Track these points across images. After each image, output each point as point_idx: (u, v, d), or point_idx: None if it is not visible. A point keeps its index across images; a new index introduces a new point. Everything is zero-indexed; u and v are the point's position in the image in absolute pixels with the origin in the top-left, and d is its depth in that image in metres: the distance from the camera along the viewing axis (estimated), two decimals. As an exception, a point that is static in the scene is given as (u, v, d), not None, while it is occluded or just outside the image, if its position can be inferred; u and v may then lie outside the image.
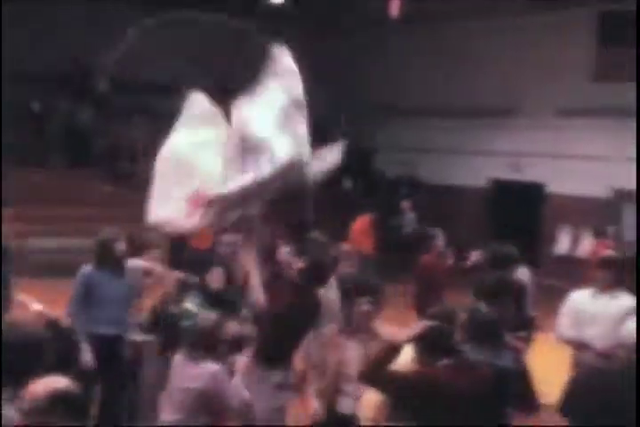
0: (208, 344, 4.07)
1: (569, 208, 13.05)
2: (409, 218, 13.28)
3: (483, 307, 4.29)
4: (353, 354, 4.15)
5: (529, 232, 13.56)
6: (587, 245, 12.11)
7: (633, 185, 11.95)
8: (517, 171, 14.20)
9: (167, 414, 4.18)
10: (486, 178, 14.85)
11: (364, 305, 4.21)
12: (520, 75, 13.95)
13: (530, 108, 14.08)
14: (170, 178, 3.93)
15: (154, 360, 4.96)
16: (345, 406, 4.20)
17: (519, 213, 14.21)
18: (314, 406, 4.18)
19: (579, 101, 13.16)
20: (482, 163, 14.65)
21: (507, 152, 14.24)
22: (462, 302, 4.63)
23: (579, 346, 5.26)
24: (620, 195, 12.80)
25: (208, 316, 4.33)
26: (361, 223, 11.64)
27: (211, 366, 4.12)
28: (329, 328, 4.32)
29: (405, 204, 13.50)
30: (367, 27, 16.07)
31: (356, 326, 4.23)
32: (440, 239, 7.51)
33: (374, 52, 16.39)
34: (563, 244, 13.45)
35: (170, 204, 3.90)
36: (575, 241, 13.30)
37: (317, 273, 4.41)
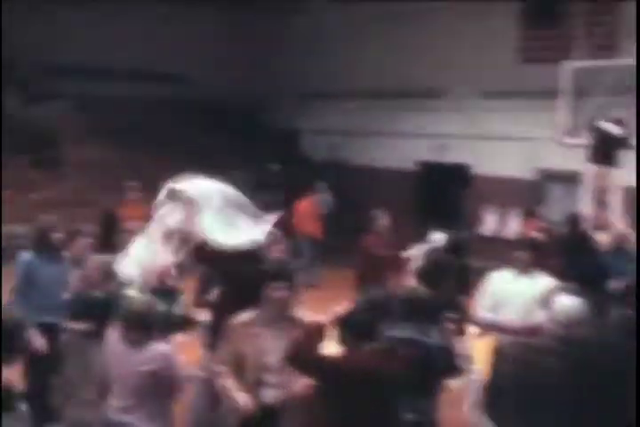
0: (144, 326, 4.08)
1: (495, 189, 13.10)
2: (325, 200, 13.18)
3: (421, 288, 4.41)
4: (271, 343, 4.07)
5: (455, 214, 13.71)
6: (514, 226, 12.15)
7: (557, 165, 12.09)
8: (444, 152, 14.25)
9: (118, 399, 4.14)
10: (413, 160, 14.84)
11: (278, 291, 4.10)
12: (446, 57, 13.99)
13: (456, 90, 14.12)
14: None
15: (81, 346, 4.95)
16: (268, 396, 4.11)
17: (446, 195, 14.34)
18: (243, 399, 4.07)
19: (504, 83, 13.25)
20: (409, 145, 14.67)
21: (433, 134, 14.24)
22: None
23: (495, 328, 5.25)
24: (545, 175, 12.90)
25: (139, 298, 4.35)
26: (305, 205, 11.42)
27: (161, 347, 4.16)
28: (244, 317, 4.24)
29: (320, 185, 13.30)
30: (293, 10, 16.05)
31: (272, 314, 4.16)
32: (384, 220, 7.65)
33: (301, 36, 16.29)
34: (489, 225, 13.40)
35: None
36: (501, 222, 13.33)
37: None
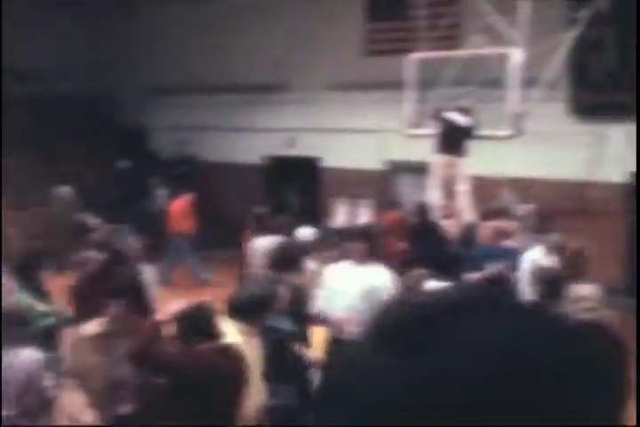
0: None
1: (346, 182, 13.12)
2: (161, 194, 13.29)
3: (271, 277, 4.61)
4: (120, 352, 3.90)
5: (308, 207, 13.82)
6: (364, 218, 12.24)
7: (405, 156, 12.25)
8: (292, 146, 14.23)
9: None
10: (262, 154, 14.78)
11: (115, 307, 4.03)
12: (290, 50, 13.86)
13: (302, 83, 14.03)
14: None
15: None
16: (124, 409, 3.93)
17: (296, 189, 14.37)
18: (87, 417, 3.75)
19: (350, 75, 13.31)
20: (257, 139, 14.55)
21: (281, 128, 14.16)
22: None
23: (326, 322, 5.27)
24: (395, 166, 13.06)
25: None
26: (179, 205, 11.70)
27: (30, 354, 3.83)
28: (90, 328, 4.02)
29: (154, 180, 13.59)
30: (135, 8, 15.78)
31: (118, 326, 4.01)
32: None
33: (146, 33, 15.96)
34: (340, 217, 13.53)
35: None
36: (352, 214, 13.41)
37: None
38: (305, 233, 7.43)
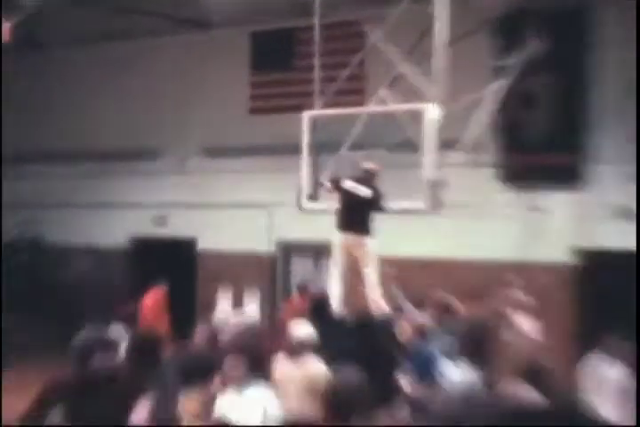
0: None
1: (228, 267, 13.14)
2: None
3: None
4: None
5: (181, 299, 13.45)
6: (253, 311, 11.74)
7: (300, 236, 12.54)
8: (163, 225, 14.38)
9: None
10: (126, 235, 14.71)
11: None
12: (160, 108, 14.12)
13: (174, 148, 14.22)
14: None
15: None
16: None
17: (167, 277, 13.68)
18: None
19: (233, 138, 13.39)
20: (120, 217, 14.59)
21: (149, 203, 14.25)
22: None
23: None
24: (287, 248, 13.27)
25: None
26: (153, 298, 11.86)
27: None
28: None
29: None
30: None
31: None
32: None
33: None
34: (222, 310, 12.94)
35: None
36: (238, 306, 12.84)
37: None
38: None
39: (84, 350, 5.23)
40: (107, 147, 14.40)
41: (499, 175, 11.09)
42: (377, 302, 8.57)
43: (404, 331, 7.70)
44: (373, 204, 8.59)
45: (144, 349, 6.03)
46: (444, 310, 8.48)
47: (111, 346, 5.50)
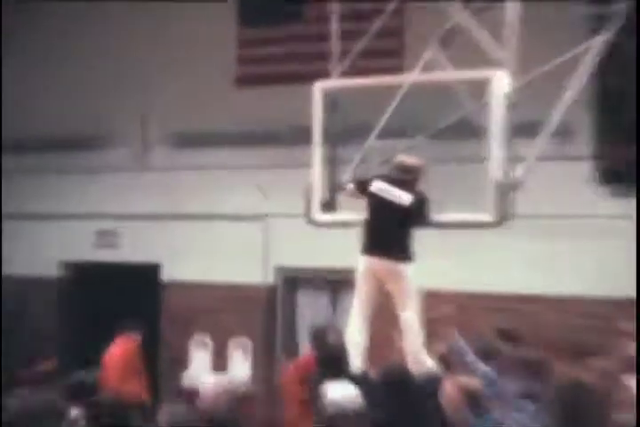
0: None
1: (205, 305, 13.52)
2: None
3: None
4: None
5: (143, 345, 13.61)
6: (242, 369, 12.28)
7: (308, 261, 12.80)
8: (112, 246, 14.58)
9: None
10: (60, 260, 14.94)
11: None
12: (111, 82, 14.26)
13: (129, 135, 14.38)
14: None
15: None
16: None
17: (118, 315, 14.04)
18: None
19: (211, 121, 13.48)
20: (50, 235, 14.77)
21: (92, 214, 14.52)
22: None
23: None
24: (289, 278, 13.52)
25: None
26: (120, 352, 12.24)
27: None
28: None
29: None
30: None
31: None
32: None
33: None
34: (196, 368, 13.80)
35: None
36: (219, 362, 13.57)
37: None
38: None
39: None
40: (29, 133, 14.58)
41: (596, 173, 11.17)
42: (417, 356, 8.66)
43: (448, 397, 7.74)
44: (414, 215, 8.62)
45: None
46: (528, 368, 8.41)
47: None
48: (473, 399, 7.50)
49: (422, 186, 8.71)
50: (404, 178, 8.68)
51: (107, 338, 13.29)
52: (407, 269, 8.64)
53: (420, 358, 8.63)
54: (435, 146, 8.95)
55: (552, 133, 8.56)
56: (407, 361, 8.73)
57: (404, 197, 8.64)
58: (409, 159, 8.78)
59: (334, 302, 12.84)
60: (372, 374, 8.87)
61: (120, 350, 12.16)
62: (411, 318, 8.68)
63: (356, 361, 8.86)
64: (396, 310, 8.65)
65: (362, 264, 8.77)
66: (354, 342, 8.85)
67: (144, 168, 14.04)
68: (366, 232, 8.80)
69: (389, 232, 8.73)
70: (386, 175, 8.76)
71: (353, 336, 8.85)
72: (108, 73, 14.16)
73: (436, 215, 8.68)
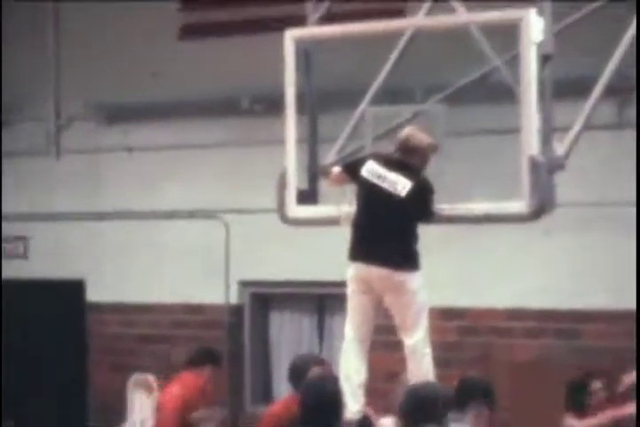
0: None
1: (145, 333, 13.92)
2: None
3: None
4: None
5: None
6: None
7: (280, 272, 13.12)
8: (18, 254, 14.85)
9: None
10: None
11: None
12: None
13: (38, 106, 14.60)
14: None
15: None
16: None
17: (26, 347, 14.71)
18: None
19: (150, 87, 13.70)
20: None
21: None
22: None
23: None
24: (255, 296, 13.85)
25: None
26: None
27: None
28: None
29: None
30: None
31: None
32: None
33: None
34: (137, 414, 13.53)
35: None
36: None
37: None
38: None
39: None
40: None
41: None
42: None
43: None
44: (415, 207, 8.72)
45: None
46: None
47: None
48: None
49: (432, 169, 8.80)
50: (407, 160, 8.78)
51: (14, 374, 13.50)
52: (412, 280, 8.72)
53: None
54: (450, 113, 8.97)
55: (604, 94, 8.59)
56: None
57: (400, 185, 8.74)
58: (414, 135, 8.80)
59: (320, 326, 13.01)
60: (374, 419, 8.98)
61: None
62: (418, 345, 8.76)
63: (353, 402, 8.84)
64: (399, 335, 8.75)
65: (351, 274, 8.85)
66: (349, 376, 8.90)
67: (60, 151, 14.21)
68: (356, 232, 8.89)
69: (385, 231, 8.80)
70: (383, 155, 8.84)
71: (347, 369, 8.91)
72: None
73: (454, 205, 8.78)
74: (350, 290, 8.95)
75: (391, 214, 8.89)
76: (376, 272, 8.76)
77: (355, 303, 8.92)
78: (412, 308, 8.80)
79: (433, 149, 8.88)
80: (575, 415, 11.01)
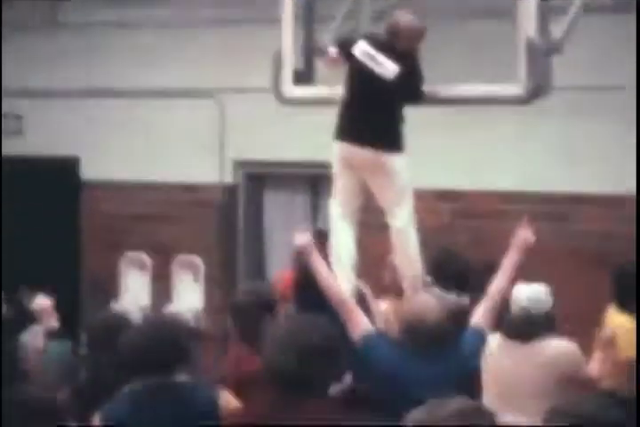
0: None
1: (141, 213, 13.98)
2: None
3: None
4: None
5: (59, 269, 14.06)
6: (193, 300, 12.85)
7: (274, 152, 13.18)
8: (17, 133, 14.83)
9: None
10: None
11: None
12: None
13: None
14: None
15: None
16: None
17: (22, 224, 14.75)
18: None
19: None
20: None
21: None
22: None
23: None
24: (250, 175, 13.96)
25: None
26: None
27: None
28: None
29: None
30: None
31: None
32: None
33: None
34: (132, 289, 14.09)
35: None
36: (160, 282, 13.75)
37: None
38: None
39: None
40: None
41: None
42: (413, 278, 8.90)
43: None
44: (402, 91, 8.76)
45: None
46: None
47: None
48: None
49: (420, 52, 8.82)
50: (396, 44, 8.78)
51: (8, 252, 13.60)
52: (395, 162, 8.83)
53: (415, 279, 8.87)
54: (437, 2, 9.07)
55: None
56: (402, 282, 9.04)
57: (389, 68, 8.77)
58: (403, 19, 8.80)
59: (314, 207, 13.02)
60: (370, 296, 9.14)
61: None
62: (403, 228, 8.90)
63: (346, 284, 8.94)
64: (385, 217, 8.88)
65: (336, 153, 8.97)
66: (340, 257, 9.01)
67: (52, 25, 14.11)
68: (343, 112, 8.96)
69: (371, 113, 8.86)
70: (377, 36, 8.88)
71: (338, 251, 9.02)
72: None
73: (449, 86, 8.84)
74: (336, 169, 9.09)
75: (377, 96, 8.94)
76: (359, 152, 8.86)
77: (341, 182, 9.04)
78: (393, 188, 8.91)
79: (420, 33, 8.86)
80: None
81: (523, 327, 7.65)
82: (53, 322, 8.79)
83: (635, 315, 8.48)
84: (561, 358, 7.67)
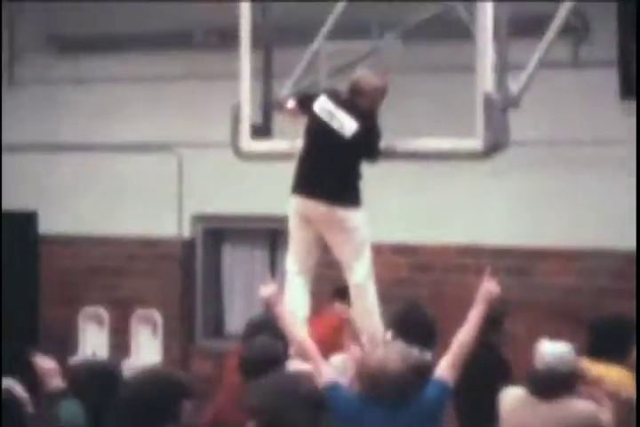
0: None
1: (98, 267, 13.88)
2: None
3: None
4: None
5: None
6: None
7: (233, 206, 13.17)
8: None
9: None
10: None
11: None
12: None
13: None
14: None
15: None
16: None
17: None
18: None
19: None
20: None
21: None
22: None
23: None
24: (208, 230, 13.91)
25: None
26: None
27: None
28: None
29: None
30: None
31: None
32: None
33: None
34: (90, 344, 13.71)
35: None
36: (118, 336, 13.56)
37: None
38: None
39: None
40: None
41: (619, 85, 11.05)
42: (372, 333, 8.87)
43: None
44: (359, 149, 8.78)
45: None
46: None
47: None
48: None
49: (381, 108, 8.81)
50: (356, 101, 8.81)
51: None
52: (352, 217, 8.82)
53: (374, 337, 8.80)
54: (407, 49, 9.08)
55: (560, 32, 8.58)
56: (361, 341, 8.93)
57: (347, 125, 8.78)
58: (365, 77, 8.83)
59: (272, 261, 12.96)
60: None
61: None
62: (361, 282, 8.86)
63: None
64: (344, 271, 8.83)
65: (293, 207, 8.96)
66: (294, 310, 8.93)
67: (11, 82, 14.12)
68: (300, 166, 8.97)
69: (327, 168, 8.87)
70: (337, 92, 8.87)
71: (293, 305, 8.97)
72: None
73: (407, 141, 8.80)
74: (292, 224, 9.05)
75: (334, 151, 8.94)
76: (315, 207, 8.87)
77: (296, 237, 9.03)
78: (351, 244, 8.88)
79: (382, 92, 8.90)
80: None
81: (546, 384, 7.59)
82: (59, 382, 8.36)
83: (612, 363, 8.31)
84: (586, 422, 7.59)
